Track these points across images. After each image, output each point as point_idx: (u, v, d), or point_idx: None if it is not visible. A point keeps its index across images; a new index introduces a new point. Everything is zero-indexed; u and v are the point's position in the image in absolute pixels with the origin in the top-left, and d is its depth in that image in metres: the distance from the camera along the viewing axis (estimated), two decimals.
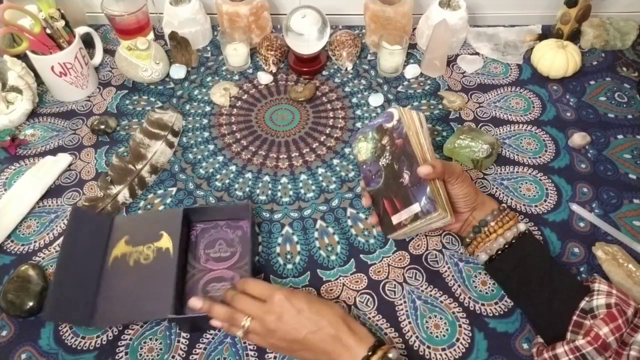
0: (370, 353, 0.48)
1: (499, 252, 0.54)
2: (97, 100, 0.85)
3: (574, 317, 0.49)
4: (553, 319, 0.51)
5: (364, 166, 0.63)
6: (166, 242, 0.61)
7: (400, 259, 0.64)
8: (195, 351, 0.57)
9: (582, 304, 0.49)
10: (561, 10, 0.88)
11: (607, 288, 0.50)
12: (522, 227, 0.55)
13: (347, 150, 0.77)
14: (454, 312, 0.59)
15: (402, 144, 0.57)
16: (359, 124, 0.80)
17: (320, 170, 0.74)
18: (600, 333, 0.46)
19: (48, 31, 0.77)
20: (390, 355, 0.48)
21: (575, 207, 0.68)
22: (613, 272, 0.60)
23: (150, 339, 0.58)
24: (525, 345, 0.57)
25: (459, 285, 0.61)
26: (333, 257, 0.65)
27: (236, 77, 0.88)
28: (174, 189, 0.72)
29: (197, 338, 0.58)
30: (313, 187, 0.72)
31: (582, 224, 0.67)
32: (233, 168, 0.75)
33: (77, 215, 0.62)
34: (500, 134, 0.78)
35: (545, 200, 0.69)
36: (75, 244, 0.60)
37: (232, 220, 0.66)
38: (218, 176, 0.74)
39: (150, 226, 0.63)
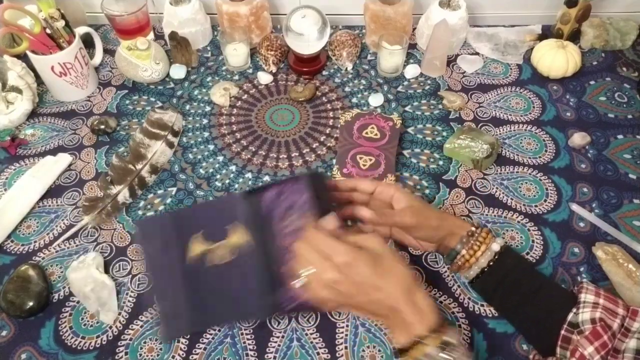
0: (426, 334, 0.43)
1: (479, 274, 0.54)
2: (97, 100, 0.85)
3: (562, 332, 0.48)
4: (542, 333, 0.50)
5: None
6: (239, 237, 0.53)
7: None
8: (195, 351, 0.57)
9: (570, 316, 0.48)
10: (561, 10, 0.88)
11: (593, 298, 0.48)
12: (495, 247, 0.53)
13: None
14: (453, 313, 0.59)
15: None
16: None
17: (320, 171, 0.74)
18: (585, 353, 0.45)
19: (48, 31, 0.77)
20: (447, 338, 0.43)
21: (575, 207, 0.68)
22: (613, 272, 0.60)
23: (150, 339, 0.58)
24: (524, 346, 0.57)
25: (459, 286, 0.61)
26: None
27: (236, 77, 0.88)
28: (174, 189, 0.72)
29: (197, 338, 0.58)
30: None
31: (582, 224, 0.67)
32: (233, 168, 0.75)
33: (144, 229, 0.57)
34: (500, 134, 0.78)
35: (545, 200, 0.69)
36: (156, 258, 0.55)
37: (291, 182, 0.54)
38: (218, 176, 0.74)
39: (215, 220, 0.55)
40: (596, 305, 0.48)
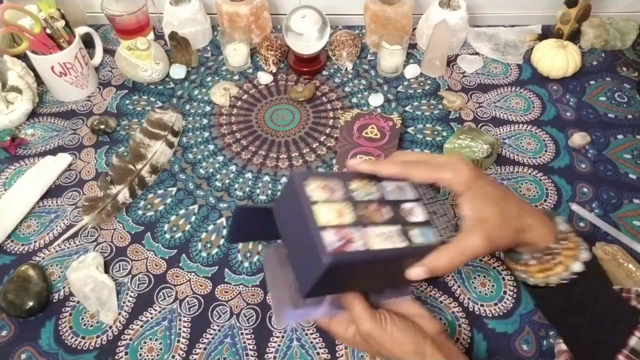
0: None
1: (561, 282, 0.45)
2: (97, 100, 0.85)
3: (620, 357, 0.42)
4: (596, 353, 0.44)
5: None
6: None
7: None
8: (195, 351, 0.57)
9: (632, 341, 0.42)
10: (561, 10, 0.88)
11: None
12: (576, 267, 0.44)
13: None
14: (453, 312, 0.59)
15: None
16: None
17: (320, 171, 0.74)
18: None
19: (48, 31, 0.77)
20: None
21: (575, 207, 0.68)
22: (613, 272, 0.60)
23: (150, 339, 0.58)
24: (524, 347, 0.57)
25: (459, 286, 0.61)
26: None
27: (236, 77, 0.88)
28: (174, 189, 0.72)
29: (197, 338, 0.58)
30: None
31: (582, 224, 0.67)
32: (233, 168, 0.75)
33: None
34: (500, 134, 0.78)
35: (545, 200, 0.69)
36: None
37: None
38: (218, 176, 0.74)
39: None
40: None
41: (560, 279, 0.44)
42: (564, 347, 0.50)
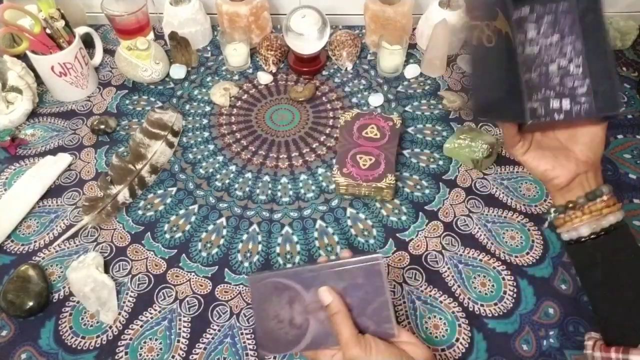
0: None
1: (600, 233, 0.47)
2: (97, 100, 0.85)
3: None
4: (631, 322, 0.45)
5: None
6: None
7: (400, 259, 0.64)
8: (195, 351, 0.57)
9: None
10: None
11: None
12: (621, 214, 0.47)
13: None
14: (453, 312, 0.59)
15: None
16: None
17: (320, 170, 0.74)
18: None
19: (48, 31, 0.77)
20: None
21: None
22: None
23: (150, 339, 0.58)
24: (524, 347, 0.57)
25: (459, 286, 0.61)
26: (332, 258, 0.65)
27: (236, 77, 0.88)
28: (174, 189, 0.72)
29: (197, 338, 0.58)
30: (313, 187, 0.72)
31: None
32: (233, 168, 0.75)
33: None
34: (500, 133, 0.78)
35: (545, 200, 0.69)
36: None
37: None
38: (218, 176, 0.74)
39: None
40: None
41: (622, 216, 0.46)
42: (594, 334, 0.49)
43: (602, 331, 0.48)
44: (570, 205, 0.48)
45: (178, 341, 0.58)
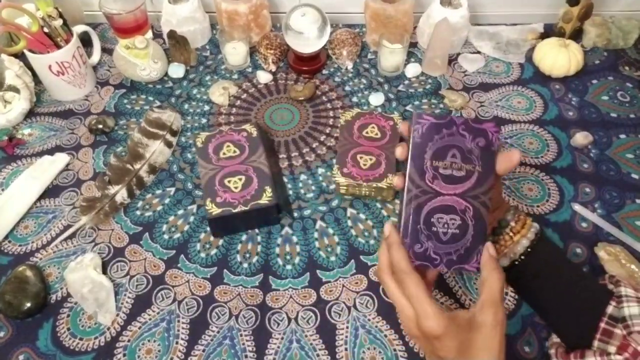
0: None
1: (521, 256, 0.47)
2: (95, 99, 0.84)
3: (602, 325, 0.44)
4: (577, 326, 0.46)
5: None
6: None
7: None
8: (194, 352, 0.57)
9: (610, 309, 0.44)
10: (563, 8, 0.88)
11: (634, 293, 0.45)
12: (536, 225, 0.48)
13: None
14: None
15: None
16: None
17: (320, 170, 0.74)
18: None
19: (46, 30, 0.76)
20: None
21: (577, 207, 0.67)
22: (615, 272, 0.60)
23: (149, 341, 0.58)
24: (526, 348, 0.56)
25: (460, 287, 0.61)
26: (333, 258, 0.64)
27: (235, 76, 0.88)
28: (173, 189, 0.72)
29: (195, 339, 0.58)
30: (313, 187, 0.72)
31: (584, 224, 0.66)
32: None
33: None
34: (502, 133, 0.77)
35: (547, 201, 0.69)
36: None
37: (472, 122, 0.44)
38: None
39: None
40: None
41: (534, 234, 0.46)
42: (555, 339, 0.50)
43: (561, 340, 0.49)
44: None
45: (177, 343, 0.57)
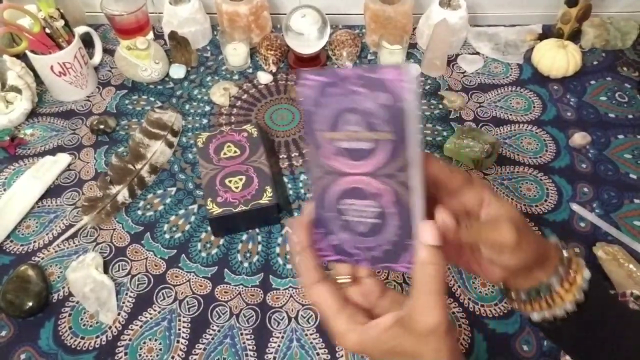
0: None
1: (558, 320, 0.38)
2: (96, 100, 0.85)
3: None
4: None
5: None
6: None
7: None
8: (195, 351, 0.57)
9: None
10: (562, 9, 0.88)
11: None
12: (587, 274, 0.37)
13: None
14: (454, 313, 0.59)
15: None
16: None
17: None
18: None
19: (47, 31, 0.76)
20: None
21: (575, 207, 0.68)
22: (614, 272, 0.60)
23: (150, 339, 0.58)
24: (525, 347, 0.56)
25: (459, 286, 0.61)
26: None
27: (236, 77, 0.88)
28: (174, 189, 0.72)
29: (196, 338, 0.58)
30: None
31: (582, 224, 0.67)
32: None
33: None
34: (500, 133, 0.78)
35: (545, 200, 0.69)
36: None
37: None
38: None
39: None
40: None
41: (582, 291, 0.36)
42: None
43: None
44: (513, 295, 0.39)
45: (178, 342, 0.58)
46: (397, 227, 0.32)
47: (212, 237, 0.67)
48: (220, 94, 0.83)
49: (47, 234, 0.67)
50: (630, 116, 0.79)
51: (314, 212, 0.34)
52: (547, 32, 0.92)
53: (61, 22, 0.78)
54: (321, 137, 0.32)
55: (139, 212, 0.70)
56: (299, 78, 0.31)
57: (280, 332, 0.58)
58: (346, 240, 0.34)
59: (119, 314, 0.60)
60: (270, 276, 0.63)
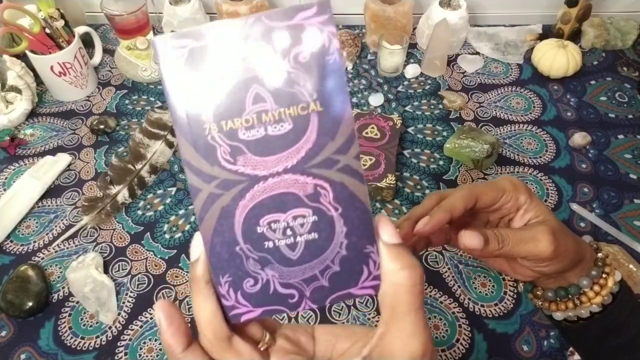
0: None
1: (581, 320, 0.38)
2: (96, 100, 0.85)
3: None
4: None
5: None
6: None
7: None
8: None
9: None
10: (562, 9, 0.88)
11: None
12: (618, 276, 0.37)
13: None
14: (454, 313, 0.59)
15: None
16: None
17: None
18: None
19: (47, 31, 0.76)
20: None
21: (575, 207, 0.68)
22: None
23: (150, 340, 0.58)
24: (525, 347, 0.56)
25: (459, 286, 0.61)
26: None
27: None
28: (174, 189, 0.72)
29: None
30: None
31: (582, 224, 0.67)
32: None
33: None
34: (500, 133, 0.78)
35: (545, 200, 0.69)
36: None
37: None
38: None
39: None
40: None
41: (610, 294, 0.36)
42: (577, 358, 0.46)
43: None
44: (539, 292, 0.38)
45: None
46: (345, 234, 0.23)
47: None
48: None
49: (47, 234, 0.67)
50: (630, 116, 0.79)
51: (209, 256, 0.23)
52: (547, 32, 0.92)
53: (61, 22, 0.78)
54: (206, 133, 0.22)
55: (139, 212, 0.70)
56: (156, 43, 0.21)
57: None
58: (273, 278, 0.23)
59: (119, 314, 0.60)
60: None
